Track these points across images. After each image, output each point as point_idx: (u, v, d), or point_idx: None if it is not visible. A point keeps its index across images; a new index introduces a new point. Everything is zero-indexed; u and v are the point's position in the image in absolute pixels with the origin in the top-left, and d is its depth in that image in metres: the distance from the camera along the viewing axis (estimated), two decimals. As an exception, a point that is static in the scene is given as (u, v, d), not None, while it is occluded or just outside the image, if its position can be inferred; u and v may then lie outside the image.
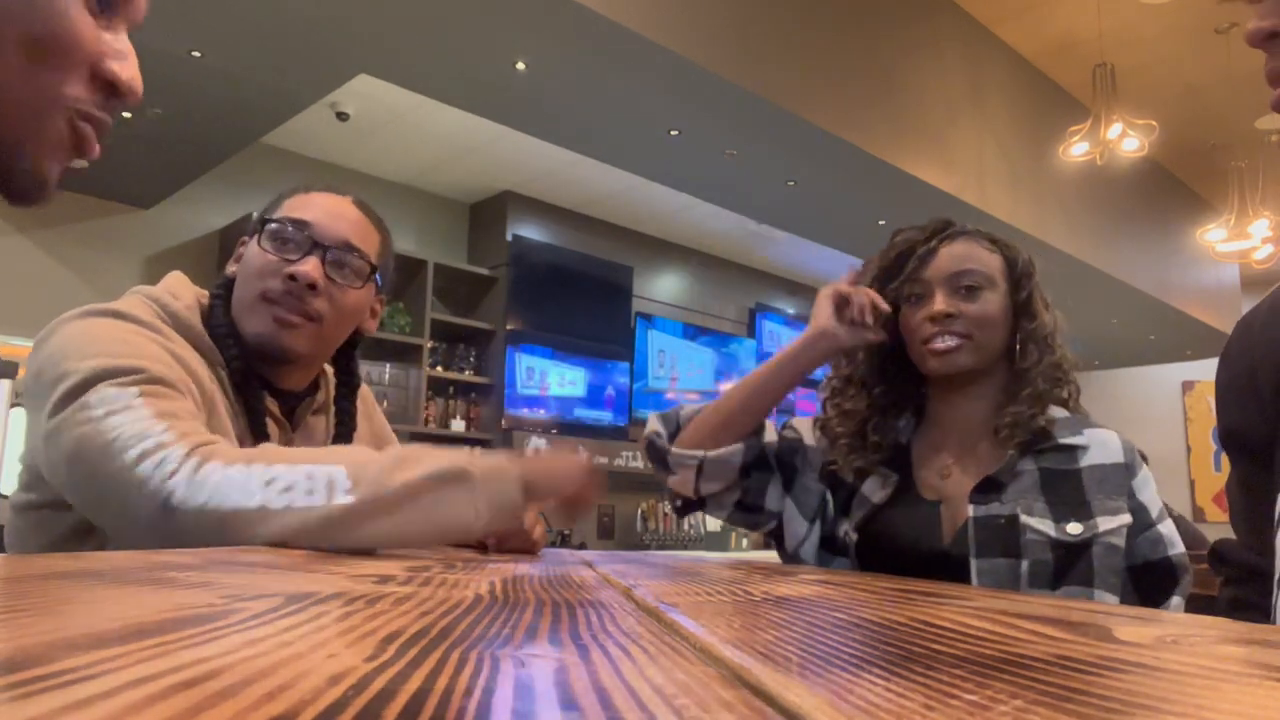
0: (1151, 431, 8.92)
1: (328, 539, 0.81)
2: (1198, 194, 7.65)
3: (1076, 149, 4.71)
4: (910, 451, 1.26)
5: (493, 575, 0.65)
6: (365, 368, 5.35)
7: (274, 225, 1.10)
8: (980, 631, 0.35)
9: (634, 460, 6.17)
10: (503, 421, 5.71)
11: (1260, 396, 0.69)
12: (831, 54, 4.27)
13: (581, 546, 5.81)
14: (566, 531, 5.84)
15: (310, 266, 1.08)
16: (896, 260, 1.27)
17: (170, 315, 1.03)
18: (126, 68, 0.61)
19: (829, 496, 1.27)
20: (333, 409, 1.22)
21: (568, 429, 6.00)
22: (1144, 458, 1.18)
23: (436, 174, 5.74)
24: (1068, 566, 1.06)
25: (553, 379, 6.01)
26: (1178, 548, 1.12)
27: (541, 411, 5.92)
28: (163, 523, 0.80)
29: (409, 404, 5.49)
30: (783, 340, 7.40)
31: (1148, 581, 1.10)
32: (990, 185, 5.14)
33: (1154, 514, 1.13)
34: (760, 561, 1.31)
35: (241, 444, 1.01)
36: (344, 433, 1.21)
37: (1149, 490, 1.14)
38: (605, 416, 6.30)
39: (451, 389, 5.76)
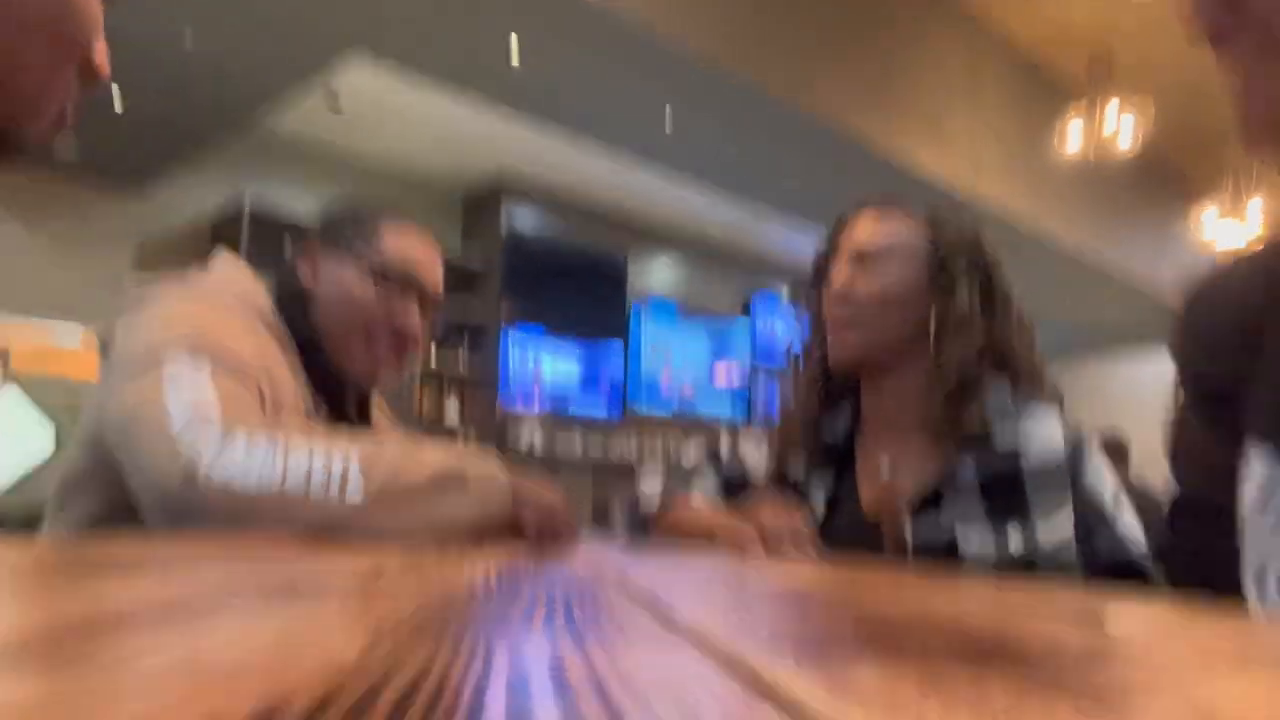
0: (1145, 420, 8.92)
1: (334, 530, 0.84)
2: (1194, 183, 7.65)
3: (1072, 131, 4.71)
4: (852, 452, 1.20)
5: (488, 564, 0.65)
6: (360, 356, 5.36)
7: (388, 274, 1.13)
8: (974, 619, 0.35)
9: (628, 451, 6.19)
10: (497, 411, 5.71)
11: (1226, 340, 0.70)
12: (828, 41, 4.26)
13: (576, 535, 5.80)
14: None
15: (415, 322, 1.15)
16: (829, 237, 1.23)
17: (256, 307, 1.06)
18: (104, 56, 0.67)
19: None
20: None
21: (562, 419, 6.01)
22: (1126, 443, 1.13)
23: (430, 160, 5.72)
24: None
25: (547, 369, 6.01)
26: (1140, 547, 1.05)
27: (536, 400, 5.92)
28: (185, 490, 0.82)
29: (402, 394, 5.49)
30: (778, 328, 7.41)
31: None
32: (985, 173, 5.13)
33: (1108, 505, 1.05)
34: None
35: None
36: (362, 420, 1.25)
37: (1100, 480, 1.06)
38: (600, 406, 6.31)
39: (445, 379, 5.75)
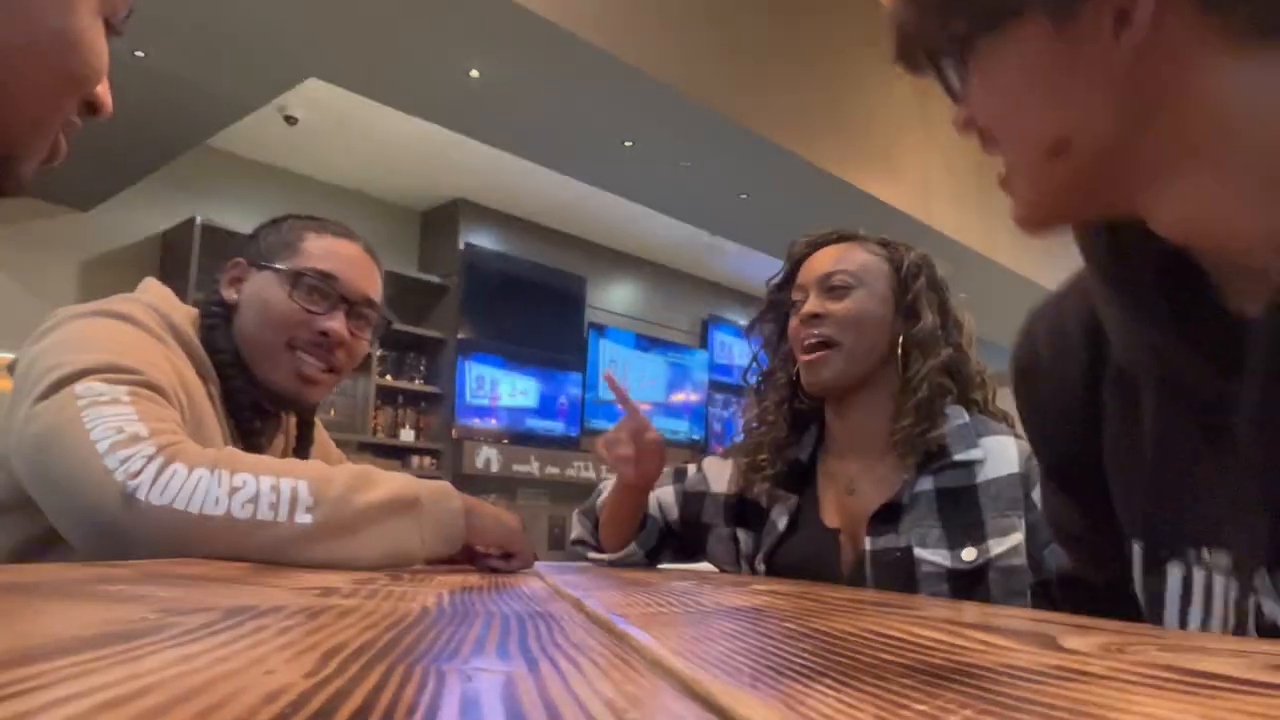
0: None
1: (281, 555, 0.81)
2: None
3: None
4: (815, 470, 1.24)
5: (440, 588, 0.64)
6: (312, 376, 5.28)
7: (304, 277, 1.10)
8: (928, 641, 0.35)
9: (585, 470, 6.16)
10: (453, 431, 5.66)
11: (1066, 409, 0.68)
12: (783, 69, 4.32)
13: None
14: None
15: (340, 324, 1.11)
16: (788, 268, 1.27)
17: (171, 327, 1.02)
18: (106, 89, 0.68)
19: (739, 535, 1.26)
20: (293, 426, 1.22)
21: (519, 439, 5.97)
22: None
23: (387, 180, 5.68)
24: (964, 595, 1.04)
25: (504, 389, 5.98)
26: None
27: (492, 421, 5.88)
28: (123, 514, 0.78)
29: (357, 413, 5.41)
30: (734, 352, 7.45)
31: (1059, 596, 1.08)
32: (935, 200, 5.24)
33: None
34: (711, 573, 1.31)
35: None
36: (303, 445, 1.22)
37: None
38: (557, 427, 6.28)
39: (401, 398, 5.69)
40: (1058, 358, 0.68)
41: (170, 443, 0.83)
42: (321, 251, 1.13)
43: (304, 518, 0.82)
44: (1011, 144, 0.56)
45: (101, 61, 0.65)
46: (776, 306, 1.29)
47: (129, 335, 0.95)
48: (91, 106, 0.68)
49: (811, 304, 1.18)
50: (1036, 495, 1.08)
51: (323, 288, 1.11)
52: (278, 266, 1.10)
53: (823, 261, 1.21)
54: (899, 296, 1.19)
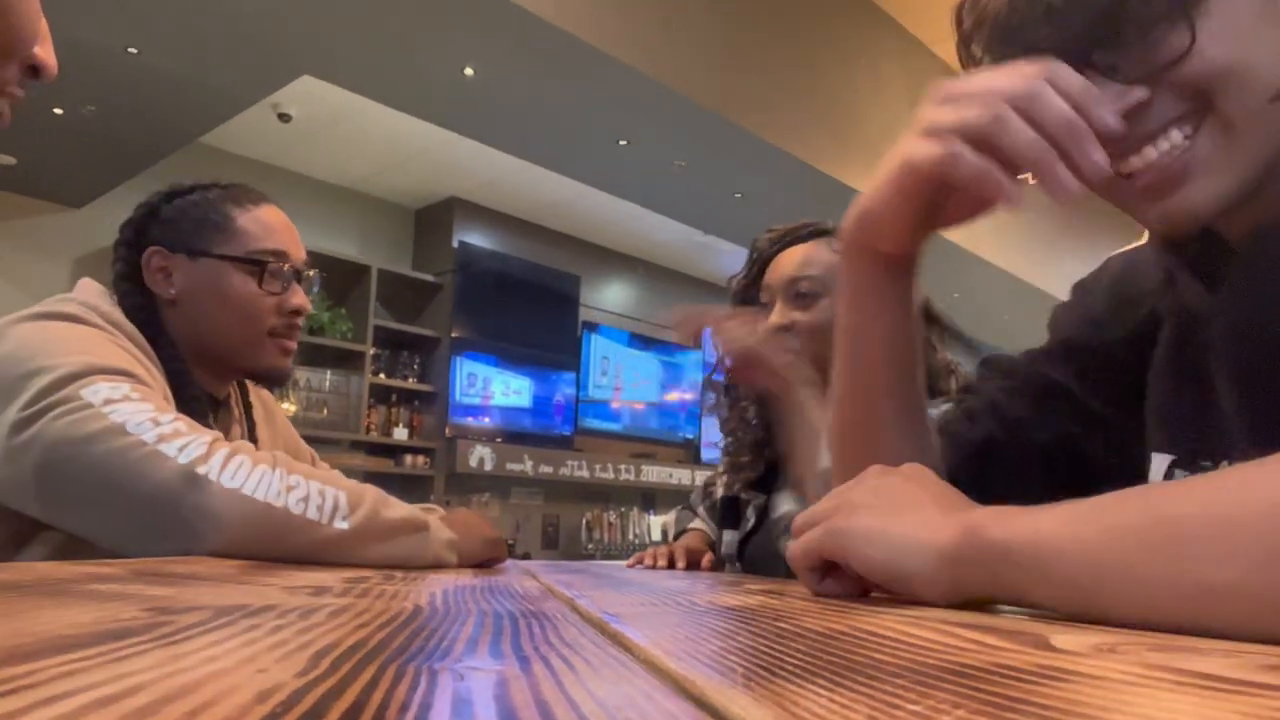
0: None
1: (317, 555, 0.86)
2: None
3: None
4: (778, 467, 1.25)
5: (433, 587, 0.64)
6: (305, 374, 5.26)
7: (266, 264, 1.10)
8: (921, 640, 0.35)
9: (579, 470, 6.16)
10: (446, 430, 5.65)
11: (1111, 313, 0.76)
12: (776, 69, 4.33)
13: (525, 557, 5.77)
14: (510, 541, 5.82)
15: (303, 298, 1.14)
16: (754, 266, 1.26)
17: (113, 324, 1.01)
18: (48, 51, 0.66)
19: (724, 535, 1.30)
20: (239, 414, 1.23)
21: (512, 438, 5.96)
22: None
23: (381, 178, 5.67)
24: None
25: (498, 387, 5.97)
26: None
27: (486, 420, 5.87)
28: (195, 495, 0.80)
29: (350, 411, 5.40)
30: (728, 351, 7.46)
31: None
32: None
33: None
34: (706, 572, 1.31)
35: None
36: (249, 431, 1.23)
37: None
38: (551, 426, 6.27)
39: (394, 396, 5.68)
40: (1130, 279, 0.77)
41: (218, 437, 0.87)
42: (259, 229, 1.12)
43: (341, 524, 0.87)
44: (1237, 90, 0.53)
45: (31, 20, 0.64)
46: (745, 305, 1.28)
47: (86, 334, 0.95)
48: (34, 70, 0.66)
49: (778, 314, 1.17)
50: None
51: (280, 269, 1.11)
52: (226, 254, 1.09)
53: (789, 263, 1.20)
54: None
